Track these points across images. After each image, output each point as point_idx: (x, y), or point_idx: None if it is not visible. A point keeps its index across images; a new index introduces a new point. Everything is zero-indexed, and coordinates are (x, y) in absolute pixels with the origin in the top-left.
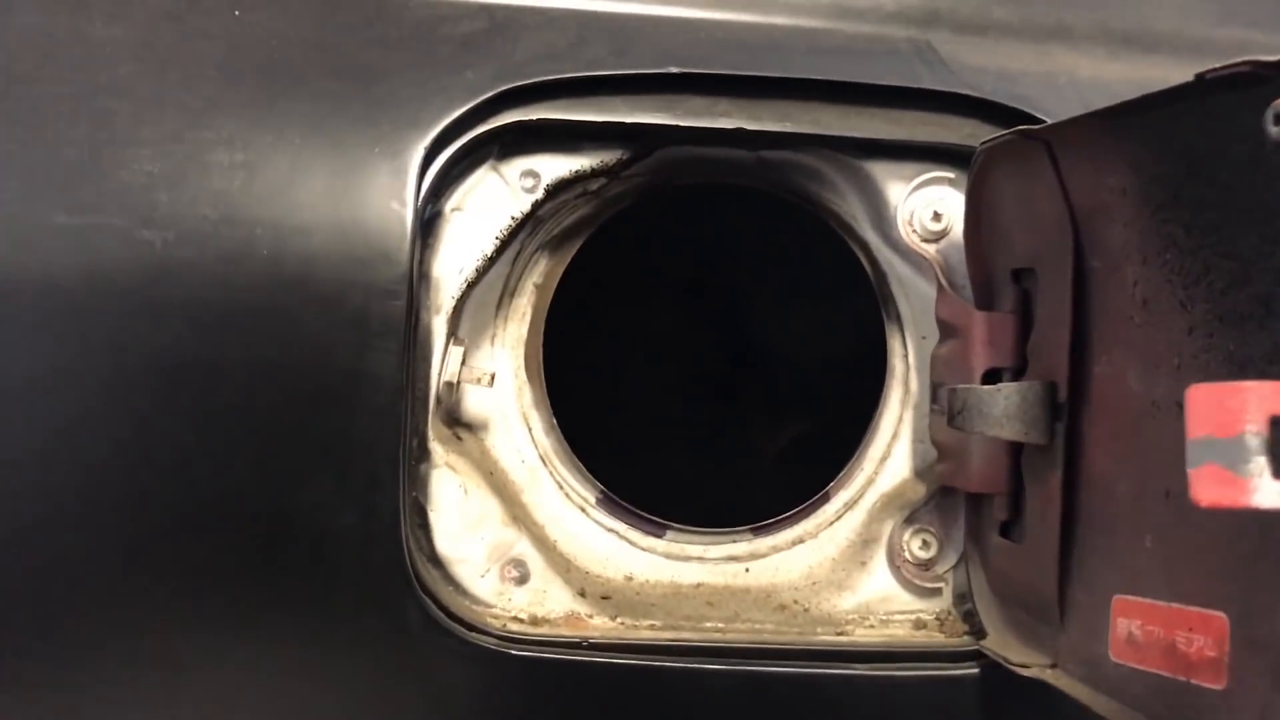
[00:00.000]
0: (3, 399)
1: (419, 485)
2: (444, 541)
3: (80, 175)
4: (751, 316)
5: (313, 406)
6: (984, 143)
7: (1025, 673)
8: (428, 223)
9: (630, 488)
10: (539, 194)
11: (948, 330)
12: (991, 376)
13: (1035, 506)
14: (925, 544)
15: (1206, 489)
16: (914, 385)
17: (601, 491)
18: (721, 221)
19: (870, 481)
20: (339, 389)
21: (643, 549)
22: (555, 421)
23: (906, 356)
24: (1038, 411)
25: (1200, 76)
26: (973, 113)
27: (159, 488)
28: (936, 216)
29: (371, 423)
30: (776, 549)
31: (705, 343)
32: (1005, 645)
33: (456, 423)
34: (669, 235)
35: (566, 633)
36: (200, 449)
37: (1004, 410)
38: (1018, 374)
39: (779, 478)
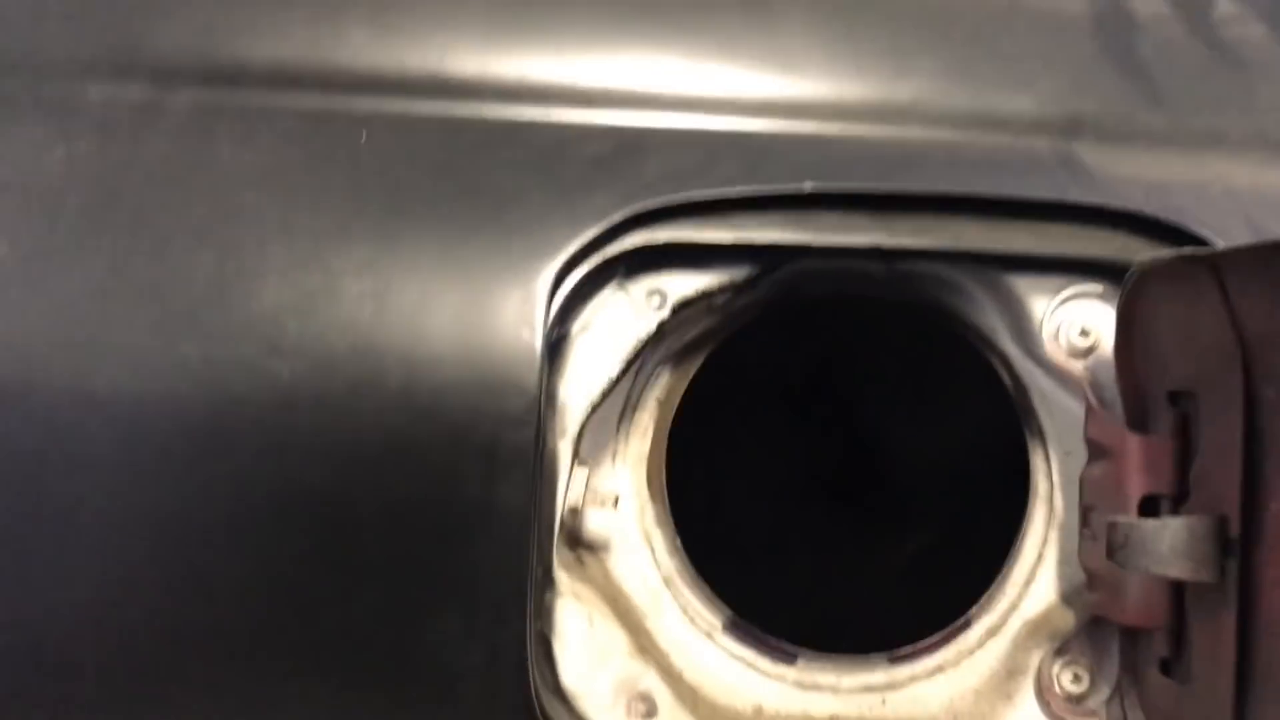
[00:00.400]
0: (130, 535)
1: (544, 616)
2: (570, 675)
3: (207, 304)
4: (881, 428)
5: (440, 540)
6: (1141, 263)
7: None
8: (554, 346)
9: (758, 612)
10: (665, 313)
11: (1098, 451)
12: (1148, 503)
13: (1204, 647)
14: (1077, 677)
15: None
16: (1059, 504)
17: (729, 616)
18: (850, 330)
19: (1014, 607)
20: (466, 521)
21: (772, 677)
22: (679, 542)
23: (1050, 474)
24: (1208, 548)
25: None
26: (1122, 226)
27: (284, 626)
28: (1084, 332)
29: (499, 555)
30: (915, 679)
31: (833, 457)
32: None
33: (578, 544)
34: (795, 346)
35: None
36: (325, 585)
37: (1171, 547)
38: (1177, 502)
39: (911, 600)
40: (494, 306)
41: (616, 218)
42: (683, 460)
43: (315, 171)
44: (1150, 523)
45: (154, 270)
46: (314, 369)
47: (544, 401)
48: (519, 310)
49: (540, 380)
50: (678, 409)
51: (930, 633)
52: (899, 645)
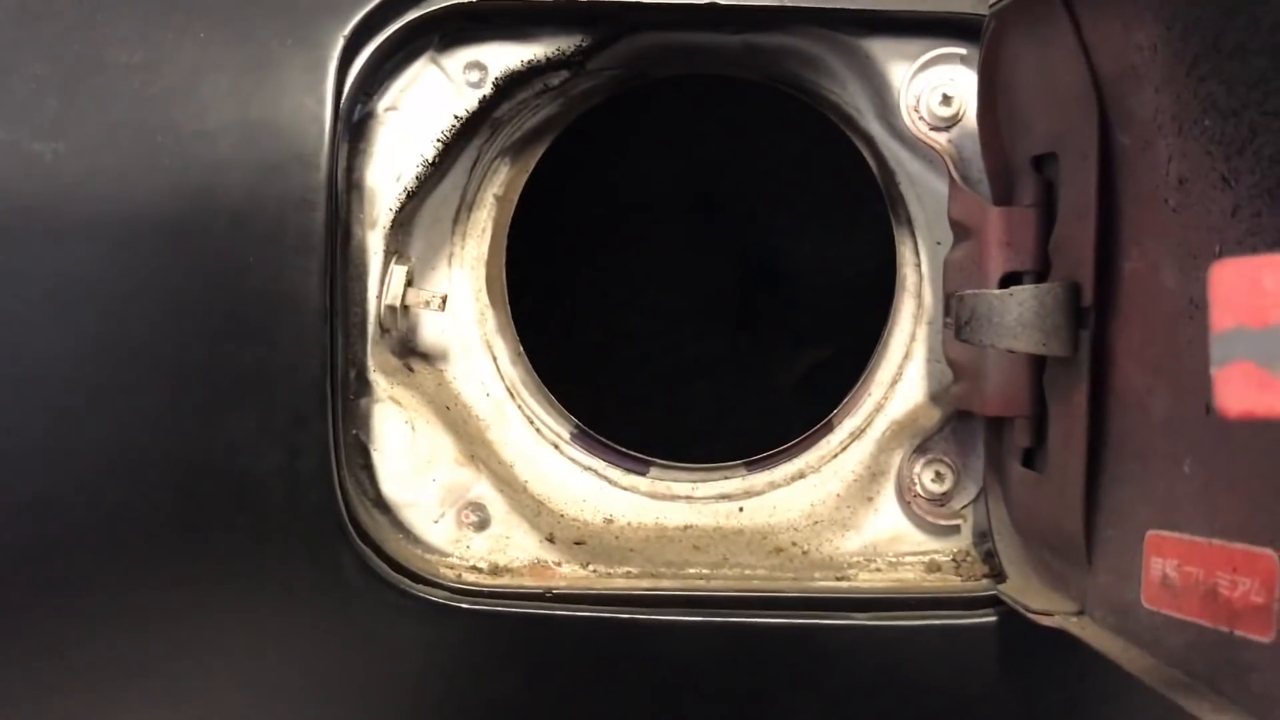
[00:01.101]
0: None
1: (359, 422)
2: (390, 484)
3: None
4: (745, 226)
5: (226, 334)
6: (993, 4)
7: (1047, 621)
8: (358, 125)
9: (608, 423)
10: (487, 89)
11: (962, 231)
12: (1010, 281)
13: (1059, 430)
14: (939, 476)
15: (1236, 394)
16: (928, 298)
17: (576, 426)
18: (707, 118)
19: (879, 408)
20: (254, 313)
21: (624, 488)
22: (523, 349)
23: (919, 265)
24: (1059, 318)
25: None
26: None
27: (56, 431)
28: (946, 100)
29: (292, 351)
30: (774, 485)
31: (694, 257)
32: (1026, 590)
33: (410, 352)
34: (646, 136)
35: (530, 583)
36: (101, 385)
37: (1018, 318)
38: (1040, 278)
39: (775, 411)
40: (277, 75)
41: None
42: (529, 265)
43: None
44: (996, 293)
45: None
46: (80, 150)
47: (341, 183)
48: (304, 78)
49: (332, 157)
50: (523, 208)
51: (788, 437)
52: (752, 450)
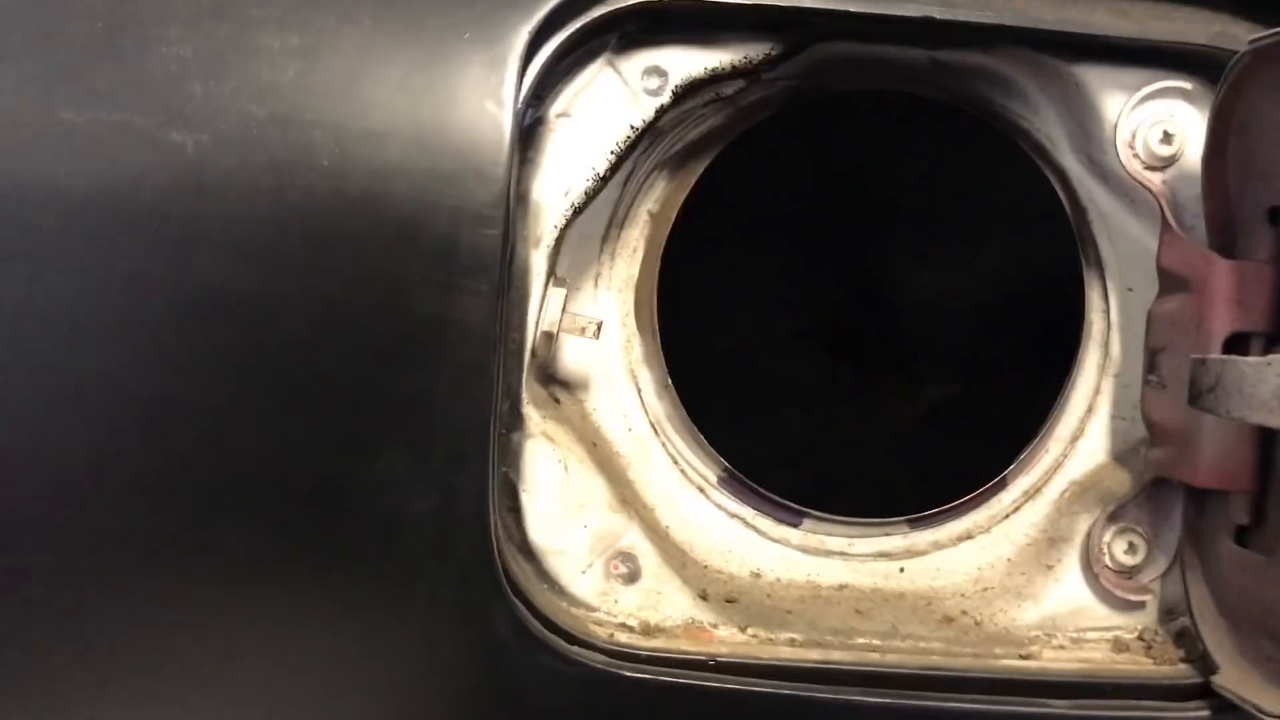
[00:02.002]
0: (6, 343)
1: (509, 458)
2: (538, 529)
3: (93, 60)
4: (912, 256)
5: (383, 360)
6: (1254, 40)
7: None
8: (527, 131)
9: (757, 466)
10: (665, 98)
11: (1174, 282)
12: (1235, 343)
13: None
14: (1131, 547)
15: None
16: (1116, 348)
17: (725, 469)
18: (881, 137)
19: (1058, 466)
20: (416, 339)
21: (774, 540)
22: (670, 382)
23: (1108, 313)
24: None
25: None
26: (1224, 4)
27: (186, 455)
28: (1166, 138)
29: (456, 381)
30: (938, 545)
31: (854, 287)
32: (1248, 684)
33: (552, 380)
34: (814, 152)
35: (689, 647)
36: (239, 409)
37: (1275, 390)
38: (1270, 342)
39: (927, 465)
40: (452, 72)
41: None
42: (683, 289)
43: None
44: (1250, 361)
45: (26, 19)
46: (224, 143)
47: (513, 197)
48: (484, 78)
49: (509, 169)
50: (679, 227)
51: (956, 493)
52: (914, 503)
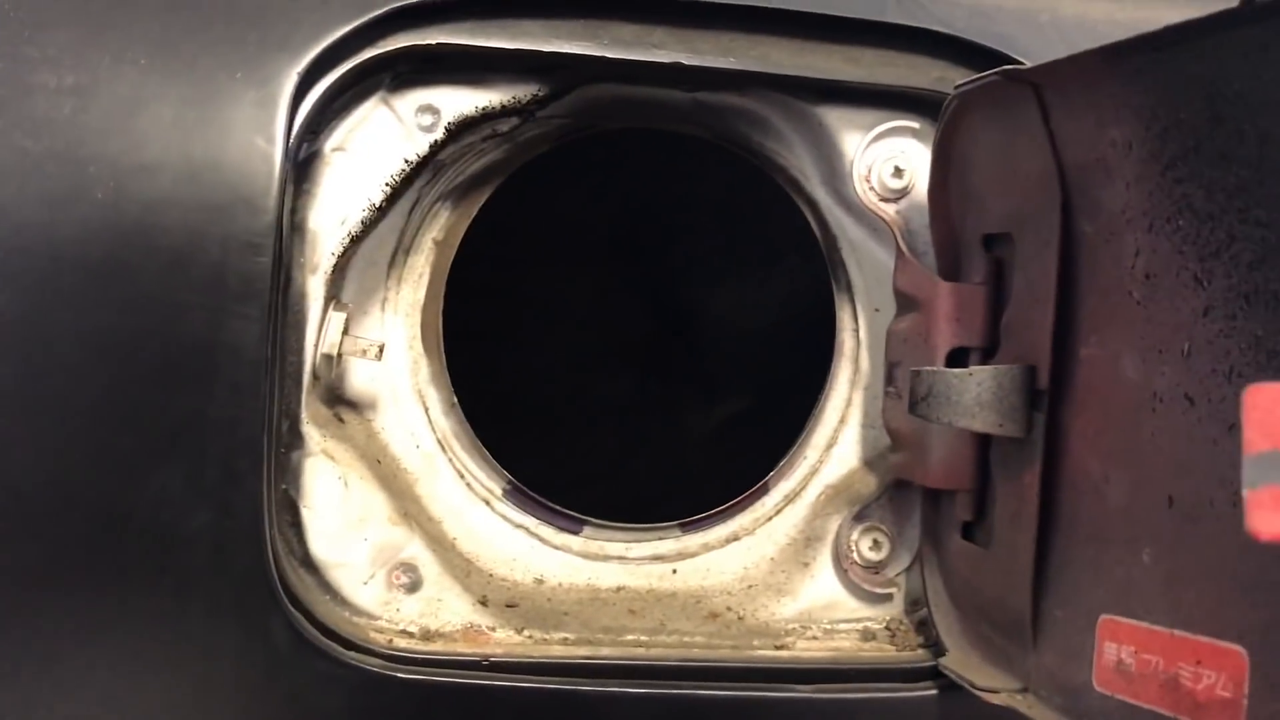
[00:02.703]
0: None
1: (289, 477)
2: (320, 543)
3: None
4: (682, 281)
5: (157, 383)
6: (959, 85)
7: (991, 698)
8: (303, 165)
9: (542, 478)
10: (438, 134)
11: (907, 303)
12: (957, 357)
13: (1006, 507)
14: (876, 544)
15: (1269, 517)
16: (865, 363)
17: (509, 481)
18: (649, 171)
19: (814, 471)
20: (189, 363)
21: (556, 547)
22: (456, 400)
23: (857, 331)
24: (1015, 400)
25: (1248, 1)
26: (943, 53)
27: None
28: (898, 172)
29: (229, 403)
30: (708, 547)
31: (628, 309)
32: (968, 665)
33: (339, 401)
34: (589, 185)
35: (464, 649)
36: (19, 432)
37: (976, 398)
38: (986, 355)
39: (712, 468)
40: (224, 110)
41: (376, 13)
42: (467, 312)
43: None
44: (955, 372)
45: None
46: (3, 177)
47: (286, 226)
48: (254, 115)
49: (280, 198)
50: (462, 254)
51: (724, 497)
52: (691, 508)
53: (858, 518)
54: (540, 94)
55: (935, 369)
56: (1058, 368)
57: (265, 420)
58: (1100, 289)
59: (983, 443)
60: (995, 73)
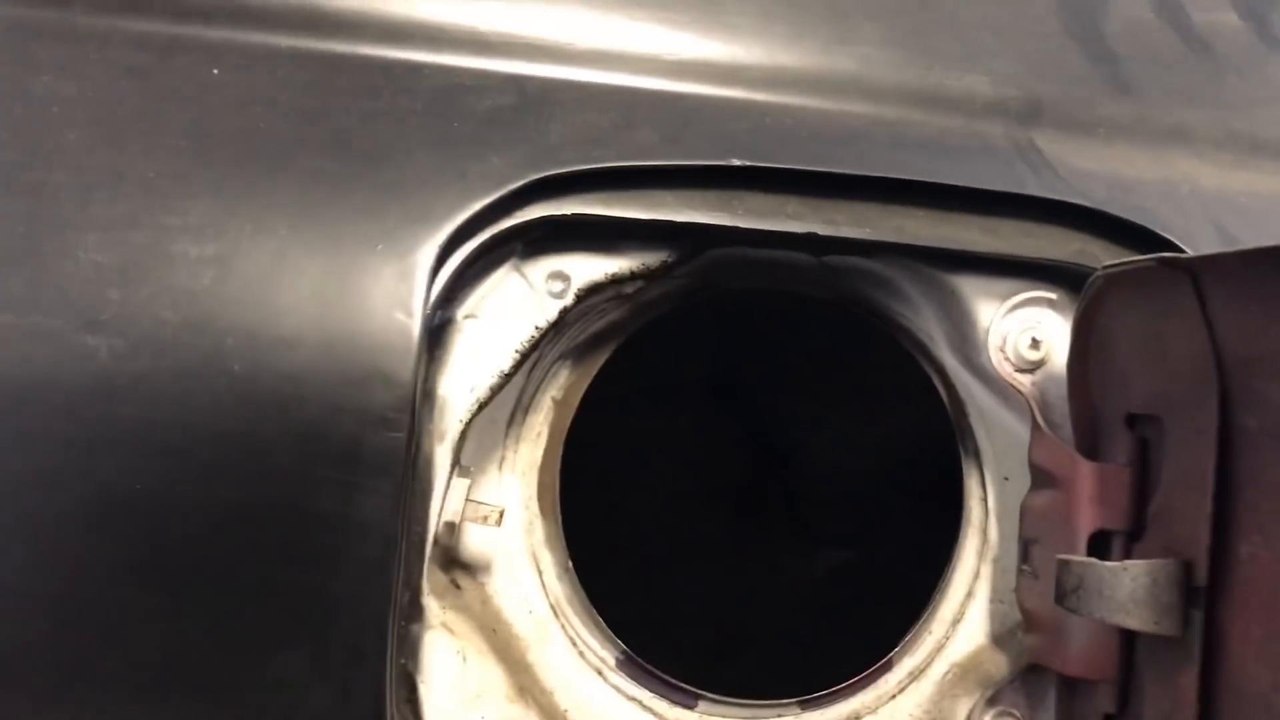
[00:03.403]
0: None
1: (408, 650)
2: None
3: (11, 262)
4: (795, 437)
5: (282, 560)
6: (1107, 266)
7: None
8: (435, 332)
9: (654, 644)
10: (568, 300)
11: (1044, 478)
12: (1099, 540)
13: (1158, 707)
14: None
15: None
16: (994, 535)
17: (623, 652)
18: (769, 329)
19: (940, 648)
20: (319, 539)
21: None
22: (571, 565)
23: (985, 500)
24: (1170, 596)
25: None
26: (1083, 225)
27: (94, 655)
28: (1034, 344)
29: (356, 581)
30: None
31: (743, 466)
32: None
33: (454, 565)
34: (707, 342)
35: None
36: (146, 608)
37: (1130, 593)
38: (1130, 539)
39: (825, 632)
40: (364, 282)
41: (515, 185)
42: (582, 472)
43: (153, 109)
44: (1108, 565)
45: None
46: (138, 347)
47: (420, 398)
48: (394, 289)
49: (416, 373)
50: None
51: (843, 667)
52: (805, 678)
53: (990, 701)
54: (669, 260)
55: (1086, 560)
56: (1215, 563)
57: (392, 597)
58: (1267, 485)
59: (1129, 633)
60: (1152, 259)
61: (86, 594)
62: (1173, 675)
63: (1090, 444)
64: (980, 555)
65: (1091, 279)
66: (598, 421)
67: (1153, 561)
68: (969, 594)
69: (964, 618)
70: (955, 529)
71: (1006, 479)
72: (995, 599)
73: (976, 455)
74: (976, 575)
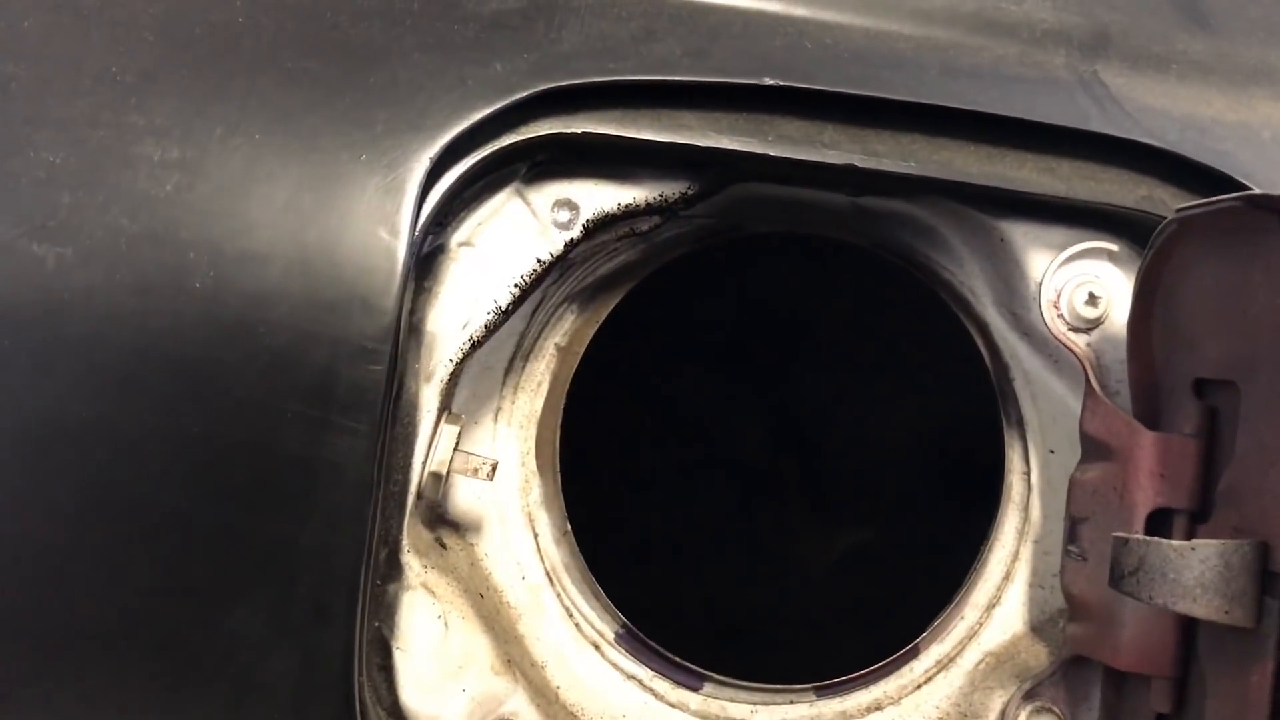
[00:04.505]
0: None
1: (384, 612)
2: (412, 692)
3: None
4: (827, 405)
5: (245, 503)
6: (1181, 209)
7: None
8: (425, 260)
9: (658, 618)
10: (575, 232)
11: (1098, 449)
12: (1157, 519)
13: (1223, 705)
14: None
15: None
16: (1035, 512)
17: (623, 625)
18: (795, 278)
19: (973, 635)
20: (284, 481)
21: (671, 704)
22: (570, 527)
23: (1028, 475)
24: (1244, 582)
25: None
26: (1152, 169)
27: (20, 593)
28: (1091, 299)
29: (325, 529)
30: (845, 716)
31: (762, 427)
32: None
33: (441, 522)
34: (729, 287)
35: None
36: (83, 545)
37: (1199, 577)
38: (1193, 520)
39: (847, 614)
40: (345, 196)
41: (520, 95)
42: (583, 427)
43: None
44: (1174, 544)
45: None
46: (90, 257)
47: (404, 331)
48: (379, 205)
49: (401, 301)
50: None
51: (863, 654)
52: (821, 664)
53: (1028, 696)
54: (689, 192)
55: (1149, 539)
56: None
57: (366, 551)
58: None
59: (1189, 623)
60: (1235, 198)
61: (21, 531)
62: (1242, 671)
63: (1151, 412)
64: (1020, 535)
65: (1162, 225)
66: (603, 374)
67: (1225, 542)
68: (1006, 576)
69: (1000, 602)
70: (992, 507)
71: (1052, 451)
72: (1035, 583)
73: (1020, 424)
74: (1015, 557)
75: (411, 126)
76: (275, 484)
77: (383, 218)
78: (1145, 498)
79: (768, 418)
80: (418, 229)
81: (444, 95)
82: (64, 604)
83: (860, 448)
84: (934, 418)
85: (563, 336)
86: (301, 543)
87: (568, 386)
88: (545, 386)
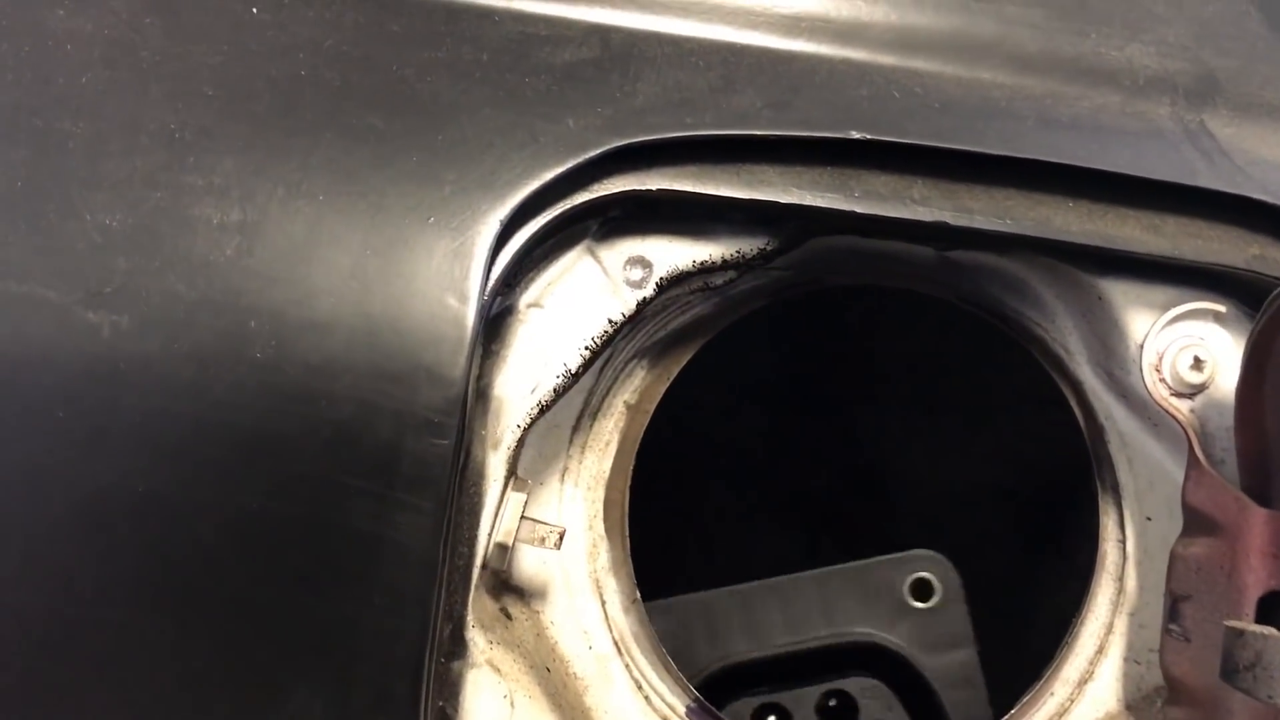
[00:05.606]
0: None
1: (447, 692)
2: None
3: (4, 220)
4: (906, 467)
5: (303, 583)
6: None
7: None
8: (492, 322)
9: (726, 683)
10: (648, 290)
11: (1203, 524)
12: (1270, 603)
13: None
14: None
15: None
16: (1131, 583)
17: (695, 699)
18: (874, 328)
19: (1063, 712)
20: (344, 560)
21: None
22: (639, 596)
23: (1123, 543)
24: None
25: None
26: (1264, 226)
27: (78, 683)
28: (1197, 364)
29: (388, 611)
30: None
31: (843, 485)
32: None
33: (505, 590)
34: (801, 343)
35: None
36: (140, 632)
37: None
38: None
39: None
40: (412, 260)
41: (594, 153)
42: (651, 488)
43: (179, 51)
44: None
45: None
46: (147, 326)
47: (472, 399)
48: (448, 269)
49: (468, 369)
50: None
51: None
52: None
53: None
54: (768, 248)
55: (1268, 631)
56: None
57: (430, 631)
58: None
59: None
60: None
61: (75, 613)
62: None
63: (1260, 486)
64: (1115, 607)
65: (1277, 291)
66: (675, 432)
67: None
68: (1099, 650)
69: (1093, 678)
70: (1084, 575)
71: (1149, 519)
72: (1130, 658)
73: (1115, 490)
74: (1109, 629)
75: (481, 186)
76: (336, 563)
77: (451, 283)
78: (1257, 580)
79: (849, 475)
80: (486, 293)
81: (515, 153)
82: (115, 686)
83: (945, 507)
84: (1023, 481)
85: (632, 394)
86: (363, 624)
87: (637, 445)
88: (614, 446)
